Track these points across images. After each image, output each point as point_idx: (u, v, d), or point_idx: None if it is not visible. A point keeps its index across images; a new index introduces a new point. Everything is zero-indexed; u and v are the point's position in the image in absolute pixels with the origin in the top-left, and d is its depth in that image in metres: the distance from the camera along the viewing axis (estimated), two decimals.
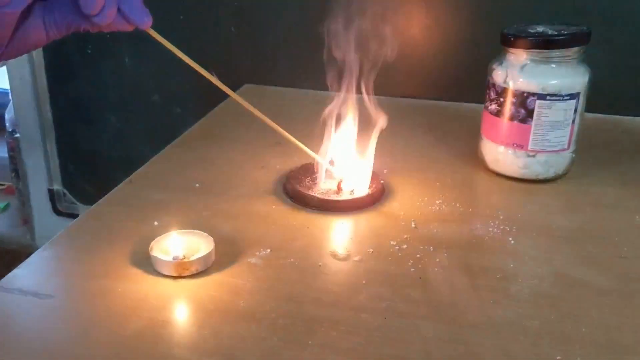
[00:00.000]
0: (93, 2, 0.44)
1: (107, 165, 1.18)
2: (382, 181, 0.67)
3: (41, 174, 1.20)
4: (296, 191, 0.65)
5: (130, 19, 0.47)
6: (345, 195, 0.64)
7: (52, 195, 1.22)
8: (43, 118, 1.15)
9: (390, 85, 0.97)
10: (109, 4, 0.45)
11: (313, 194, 0.64)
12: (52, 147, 1.18)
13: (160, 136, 1.14)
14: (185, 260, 0.51)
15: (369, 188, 0.65)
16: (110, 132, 1.15)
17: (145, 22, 0.48)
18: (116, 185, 0.69)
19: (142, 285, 0.51)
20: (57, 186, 1.21)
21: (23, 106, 1.16)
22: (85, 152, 1.18)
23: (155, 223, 0.59)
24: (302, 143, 0.67)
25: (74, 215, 1.23)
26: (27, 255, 0.55)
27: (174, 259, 0.52)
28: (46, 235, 1.28)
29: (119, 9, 0.46)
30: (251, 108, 0.62)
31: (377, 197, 0.65)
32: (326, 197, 0.64)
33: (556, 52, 0.63)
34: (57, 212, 1.23)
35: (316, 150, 0.66)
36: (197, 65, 0.58)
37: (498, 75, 0.66)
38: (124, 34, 1.05)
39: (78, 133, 1.17)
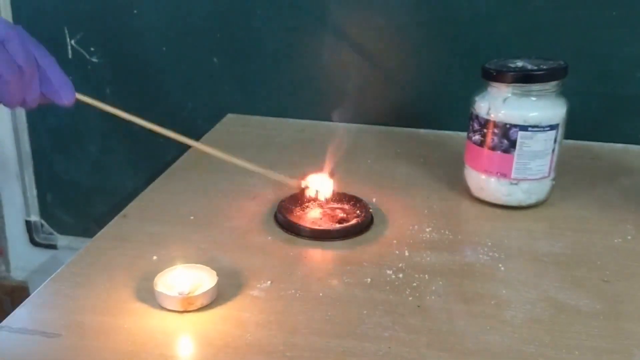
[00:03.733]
0: (10, 103, 0.47)
1: (87, 196, 1.17)
2: (370, 210, 0.69)
3: (18, 205, 1.19)
4: (287, 222, 0.66)
5: (52, 99, 0.50)
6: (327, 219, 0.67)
7: (30, 226, 1.20)
8: (21, 148, 1.14)
9: (371, 114, 1.00)
10: (30, 99, 0.48)
11: (304, 224, 0.66)
12: (29, 177, 1.17)
13: (141, 166, 1.15)
14: (191, 295, 0.52)
15: (358, 217, 0.67)
16: (90, 162, 1.14)
17: (66, 101, 0.50)
18: (95, 216, 0.69)
19: (149, 320, 0.51)
20: (35, 217, 1.20)
21: (1, 136, 1.15)
22: (64, 183, 1.17)
23: (154, 258, 0.60)
24: (293, 173, 0.69)
25: (51, 247, 1.21)
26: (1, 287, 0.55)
27: (179, 294, 0.53)
28: (22, 267, 1.26)
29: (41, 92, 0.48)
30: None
31: (366, 226, 0.67)
32: (317, 227, 0.66)
33: (536, 86, 0.66)
34: (34, 243, 1.22)
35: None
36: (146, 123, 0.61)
37: (481, 107, 0.70)
38: (105, 65, 1.06)
39: (57, 163, 1.16)
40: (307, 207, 0.69)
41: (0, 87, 0.46)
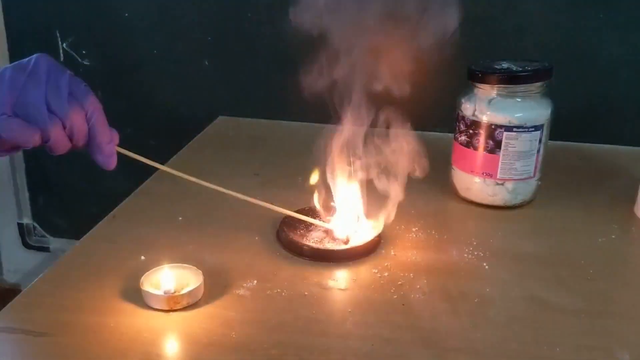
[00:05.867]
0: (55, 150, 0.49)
1: (78, 198, 1.17)
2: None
3: (10, 208, 1.19)
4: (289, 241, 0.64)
5: (95, 161, 0.51)
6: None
7: (22, 229, 1.20)
8: None
9: (360, 115, 1.00)
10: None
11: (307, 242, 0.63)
12: (22, 180, 1.17)
13: (133, 169, 1.15)
14: (177, 294, 0.53)
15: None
16: (82, 165, 1.15)
17: (105, 168, 0.52)
18: (88, 218, 0.69)
19: (135, 319, 0.52)
20: (27, 220, 1.20)
21: None
22: (56, 185, 1.17)
23: (142, 258, 0.61)
24: (284, 174, 0.68)
25: (44, 249, 1.22)
26: None
27: (165, 293, 0.53)
28: (15, 269, 1.26)
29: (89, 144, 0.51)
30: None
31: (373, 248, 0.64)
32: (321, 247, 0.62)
33: (521, 87, 0.67)
34: (27, 246, 1.22)
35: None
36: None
37: (467, 108, 0.70)
38: (97, 68, 1.06)
39: (48, 166, 1.16)
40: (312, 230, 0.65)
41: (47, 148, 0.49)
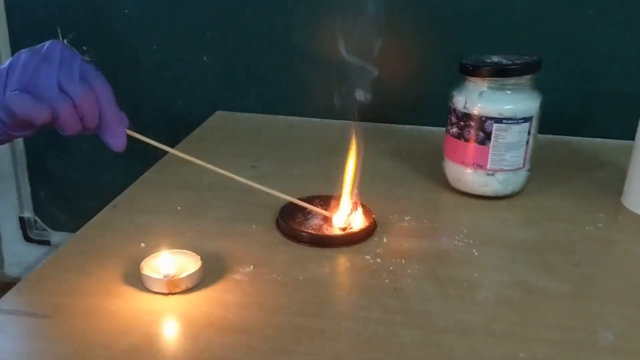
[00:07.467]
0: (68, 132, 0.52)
1: (79, 192, 1.19)
2: (373, 216, 0.68)
3: (12, 201, 1.21)
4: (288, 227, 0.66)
5: (106, 143, 0.55)
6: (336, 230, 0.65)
7: (23, 223, 1.22)
8: (14, 145, 1.17)
9: (358, 110, 1.02)
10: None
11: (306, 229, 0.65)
12: (23, 174, 1.19)
13: (133, 163, 1.17)
14: (176, 277, 0.55)
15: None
16: (82, 159, 1.17)
17: (114, 150, 0.56)
18: (88, 212, 0.71)
19: (135, 302, 0.53)
20: (28, 213, 1.22)
21: None
22: (57, 179, 1.19)
23: (142, 244, 0.62)
24: (280, 167, 0.70)
25: (45, 242, 1.23)
26: None
27: (164, 277, 0.55)
28: (16, 263, 1.28)
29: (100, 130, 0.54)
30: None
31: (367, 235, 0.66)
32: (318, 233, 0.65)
33: (511, 80, 0.69)
34: (28, 240, 1.24)
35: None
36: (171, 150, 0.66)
37: (458, 101, 0.72)
38: (98, 64, 1.08)
39: (49, 160, 1.18)
40: (309, 218, 0.67)
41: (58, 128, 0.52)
